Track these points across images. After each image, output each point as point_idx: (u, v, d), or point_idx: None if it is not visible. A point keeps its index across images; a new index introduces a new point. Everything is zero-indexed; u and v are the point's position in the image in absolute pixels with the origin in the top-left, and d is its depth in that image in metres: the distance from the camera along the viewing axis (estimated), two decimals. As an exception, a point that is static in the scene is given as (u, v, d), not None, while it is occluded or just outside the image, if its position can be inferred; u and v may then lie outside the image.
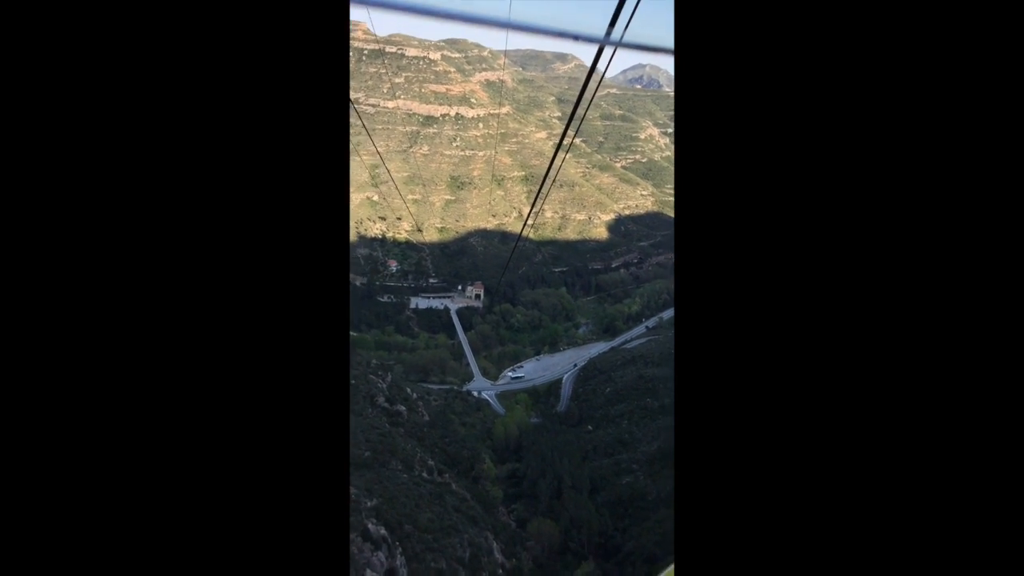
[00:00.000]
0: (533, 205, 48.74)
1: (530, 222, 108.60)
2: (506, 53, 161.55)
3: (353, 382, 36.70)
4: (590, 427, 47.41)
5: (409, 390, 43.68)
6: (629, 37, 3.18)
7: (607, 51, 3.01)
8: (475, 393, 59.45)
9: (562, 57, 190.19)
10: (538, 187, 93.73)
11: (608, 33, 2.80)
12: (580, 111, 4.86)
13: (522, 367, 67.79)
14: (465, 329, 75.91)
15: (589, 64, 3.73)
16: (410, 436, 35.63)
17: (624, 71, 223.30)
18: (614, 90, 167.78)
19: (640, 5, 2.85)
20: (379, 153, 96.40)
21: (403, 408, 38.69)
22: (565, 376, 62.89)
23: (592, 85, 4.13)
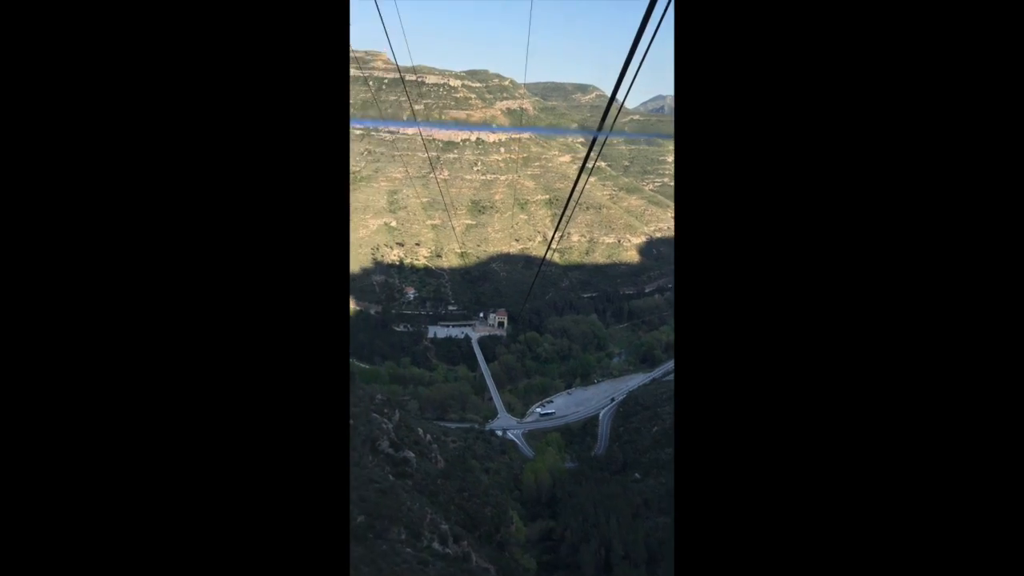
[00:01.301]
0: (557, 227, 43.45)
1: (556, 245, 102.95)
2: (526, 85, 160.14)
3: (352, 422, 30.07)
4: (638, 475, 39.56)
5: (421, 431, 36.69)
6: (650, 64, 3.20)
7: (627, 79, 2.89)
8: (499, 433, 52.19)
9: (583, 88, 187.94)
10: (563, 209, 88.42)
11: (627, 62, 2.77)
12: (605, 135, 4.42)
13: (552, 402, 60.50)
14: (487, 360, 68.87)
15: (610, 94, 3.37)
16: (419, 491, 28.55)
17: (644, 103, 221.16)
18: (636, 117, 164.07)
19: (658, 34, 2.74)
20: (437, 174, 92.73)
21: (411, 455, 31.66)
22: (602, 412, 55.43)
23: (613, 111, 3.76)
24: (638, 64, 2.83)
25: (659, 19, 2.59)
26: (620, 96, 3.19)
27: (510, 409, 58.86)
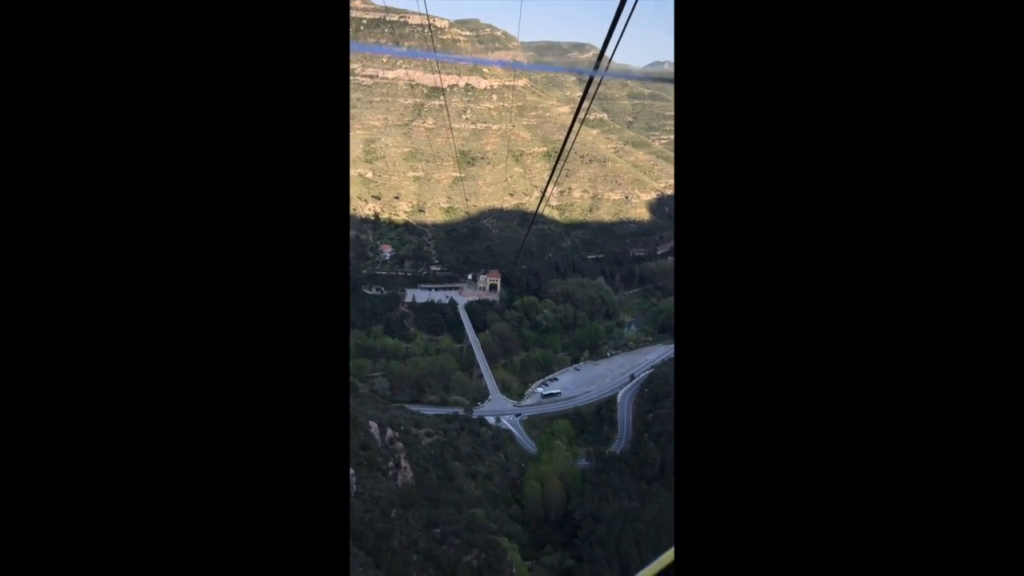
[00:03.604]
0: (551, 174, 31.55)
1: (556, 202, 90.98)
2: (521, 43, 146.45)
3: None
4: (685, 483, 28.37)
5: (374, 428, 25.15)
6: (636, 26, 2.24)
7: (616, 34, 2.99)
8: (491, 420, 41.02)
9: (580, 47, 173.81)
10: (557, 156, 75.71)
11: (614, 22, 2.76)
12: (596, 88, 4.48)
13: (556, 380, 49.84)
14: (477, 329, 57.65)
15: (608, 54, 3.43)
16: (355, 536, 17.02)
17: (644, 67, 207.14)
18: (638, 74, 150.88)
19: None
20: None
21: (350, 471, 20.22)
22: (620, 393, 44.48)
23: (607, 64, 3.65)
24: (628, 12, 2.80)
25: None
26: (615, 49, 3.37)
27: (504, 389, 47.90)
